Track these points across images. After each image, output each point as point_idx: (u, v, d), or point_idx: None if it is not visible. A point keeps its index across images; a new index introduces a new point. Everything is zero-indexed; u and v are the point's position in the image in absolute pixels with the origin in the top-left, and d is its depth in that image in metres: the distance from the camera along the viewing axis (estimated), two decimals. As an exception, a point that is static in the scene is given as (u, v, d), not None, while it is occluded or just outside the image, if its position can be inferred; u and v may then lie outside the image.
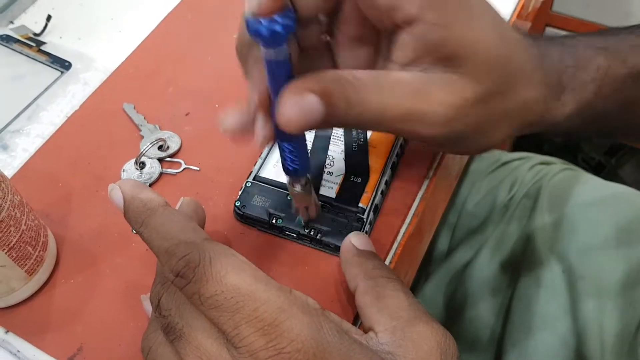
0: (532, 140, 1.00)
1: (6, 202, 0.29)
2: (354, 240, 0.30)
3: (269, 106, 0.26)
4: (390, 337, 0.25)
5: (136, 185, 0.27)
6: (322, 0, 0.27)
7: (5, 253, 0.29)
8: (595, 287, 0.47)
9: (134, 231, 0.26)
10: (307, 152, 0.28)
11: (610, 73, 0.30)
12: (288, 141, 0.27)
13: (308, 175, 0.30)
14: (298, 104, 0.24)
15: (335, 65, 0.30)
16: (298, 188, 0.30)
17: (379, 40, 0.29)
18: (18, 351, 0.31)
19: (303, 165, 0.29)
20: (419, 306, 0.27)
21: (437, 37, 0.25)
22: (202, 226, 0.31)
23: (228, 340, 0.22)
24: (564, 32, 0.81)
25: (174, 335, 0.24)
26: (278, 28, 0.22)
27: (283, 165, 0.29)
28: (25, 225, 0.30)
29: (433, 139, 0.27)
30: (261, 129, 0.27)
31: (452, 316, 0.56)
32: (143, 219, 0.25)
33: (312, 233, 0.32)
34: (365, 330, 0.27)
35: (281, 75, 0.24)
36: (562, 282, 0.50)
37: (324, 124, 0.25)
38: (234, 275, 0.23)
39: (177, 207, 0.30)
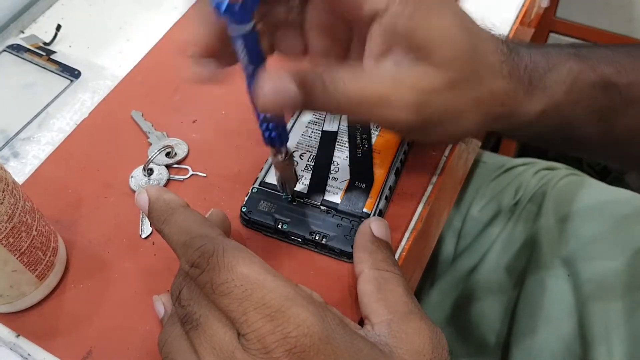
0: (536, 147, 1.00)
1: (18, 208, 0.29)
2: (374, 226, 0.31)
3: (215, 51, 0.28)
4: (386, 329, 0.26)
5: (160, 189, 0.29)
6: None
7: (17, 258, 0.30)
8: (601, 291, 0.47)
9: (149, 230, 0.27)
10: (285, 123, 0.30)
11: (580, 78, 0.32)
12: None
13: (289, 147, 0.31)
14: (275, 88, 0.26)
15: (305, 46, 0.31)
16: (280, 158, 0.31)
17: (350, 33, 0.31)
18: (29, 355, 0.31)
19: (282, 134, 0.30)
20: (415, 303, 0.28)
21: (404, 27, 0.27)
22: (228, 236, 0.32)
23: (237, 328, 0.23)
24: (568, 39, 0.81)
25: (191, 325, 0.25)
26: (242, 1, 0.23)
27: (263, 136, 0.30)
28: (36, 231, 0.31)
29: (405, 124, 0.29)
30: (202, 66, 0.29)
31: (458, 320, 0.56)
32: (165, 217, 0.27)
33: (317, 238, 0.33)
34: (362, 317, 0.28)
35: (251, 48, 0.26)
36: (568, 286, 0.50)
37: (300, 108, 0.27)
38: (245, 266, 0.24)
39: (206, 217, 0.31)
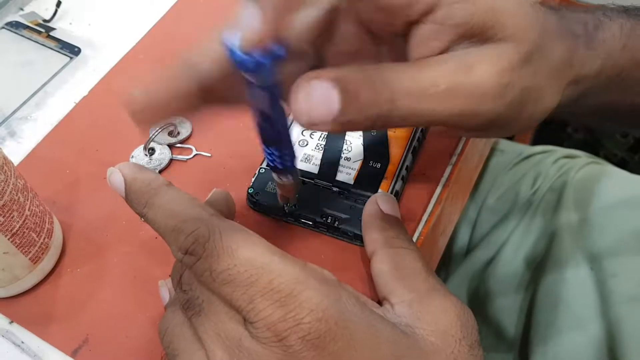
0: (552, 137, 0.98)
1: (9, 185, 0.28)
2: (381, 202, 0.29)
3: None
4: (408, 309, 0.24)
5: (136, 166, 0.26)
6: (312, 29, 0.24)
7: (8, 239, 0.28)
8: (629, 285, 0.45)
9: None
10: (293, 149, 0.26)
11: (637, 32, 0.28)
12: (275, 145, 0.25)
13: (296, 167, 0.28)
14: (308, 94, 0.21)
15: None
16: (285, 179, 0.28)
17: (377, 51, 0.26)
18: (22, 342, 0.29)
19: (291, 162, 0.27)
20: (437, 279, 0.26)
21: (463, 14, 0.23)
22: (232, 218, 0.29)
23: (243, 316, 0.21)
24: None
25: (194, 311, 0.23)
26: (265, 61, 0.20)
27: (269, 164, 0.27)
28: (29, 210, 0.29)
29: (488, 116, 0.23)
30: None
31: (475, 314, 0.54)
32: (147, 199, 0.24)
33: (329, 221, 0.31)
34: (380, 300, 0.26)
35: (267, 99, 0.22)
36: (591, 279, 0.47)
37: (345, 116, 0.21)
38: (247, 249, 0.22)
39: (208, 198, 0.29)
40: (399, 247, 0.27)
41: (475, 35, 0.23)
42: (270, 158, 0.26)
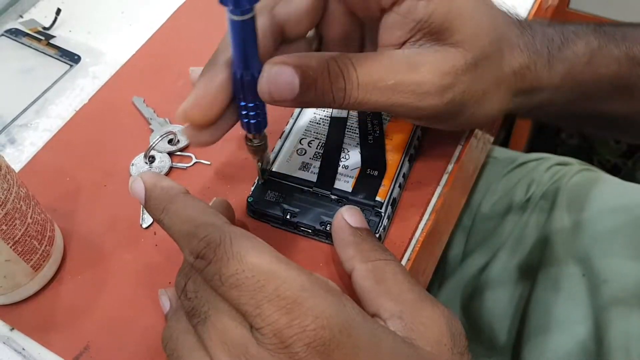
0: (546, 143, 0.99)
1: (11, 194, 0.28)
2: (347, 216, 0.29)
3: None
4: (400, 322, 0.24)
5: (157, 175, 0.27)
6: (309, 16, 0.28)
7: (10, 247, 0.28)
8: (620, 291, 0.45)
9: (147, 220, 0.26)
10: (265, 111, 0.28)
11: (603, 52, 0.31)
12: (251, 102, 0.27)
13: (265, 132, 0.30)
14: (273, 74, 0.25)
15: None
16: (255, 142, 0.30)
17: (363, 34, 0.31)
18: (23, 349, 0.30)
19: (263, 121, 0.28)
20: (420, 287, 0.26)
21: (424, 12, 0.26)
22: None
23: (250, 322, 0.22)
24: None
25: (199, 319, 0.23)
26: None
27: (242, 122, 0.28)
28: (31, 218, 0.29)
29: (429, 111, 0.27)
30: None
31: (468, 320, 0.55)
32: (164, 205, 0.25)
33: (328, 229, 0.31)
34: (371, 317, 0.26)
35: (248, 37, 0.24)
36: (582, 285, 0.48)
37: (304, 98, 0.26)
38: (255, 255, 0.22)
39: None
40: (377, 260, 0.27)
41: (433, 34, 0.27)
42: (252, 113, 0.27)
